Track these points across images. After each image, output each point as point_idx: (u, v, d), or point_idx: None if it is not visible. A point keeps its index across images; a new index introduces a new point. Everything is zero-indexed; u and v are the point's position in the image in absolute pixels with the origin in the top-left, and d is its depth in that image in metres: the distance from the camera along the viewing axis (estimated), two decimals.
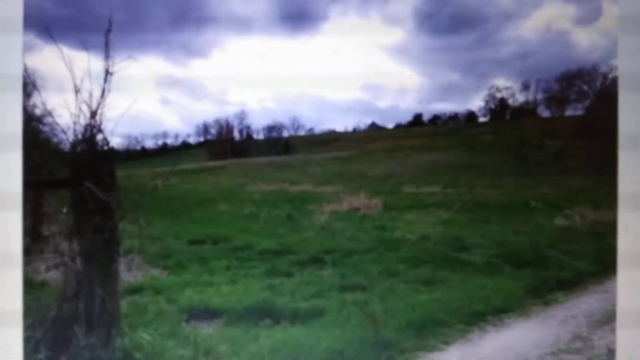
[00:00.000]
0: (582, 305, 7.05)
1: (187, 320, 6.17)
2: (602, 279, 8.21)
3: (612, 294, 3.24)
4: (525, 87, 27.12)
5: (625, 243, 2.91)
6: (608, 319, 6.13)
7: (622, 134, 2.85)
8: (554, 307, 7.02)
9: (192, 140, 30.21)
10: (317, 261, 9.30)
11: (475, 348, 5.55)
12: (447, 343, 5.60)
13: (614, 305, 3.12)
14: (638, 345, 3.07)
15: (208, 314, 6.42)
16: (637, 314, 3.07)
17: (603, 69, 24.11)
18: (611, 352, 4.91)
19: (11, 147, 2.98)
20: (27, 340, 3.91)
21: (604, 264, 8.43)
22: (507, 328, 6.17)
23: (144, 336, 4.76)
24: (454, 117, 31.16)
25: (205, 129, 29.92)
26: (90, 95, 4.58)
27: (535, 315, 6.64)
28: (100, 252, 4.57)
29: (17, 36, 2.95)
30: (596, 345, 5.44)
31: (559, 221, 13.37)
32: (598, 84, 24.09)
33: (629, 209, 2.87)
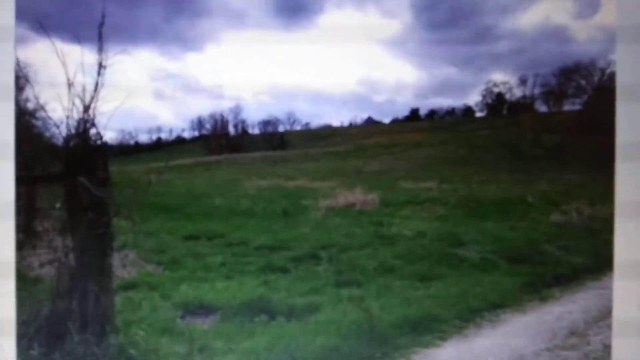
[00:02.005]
0: (578, 301, 7.05)
1: (182, 317, 6.15)
2: (599, 274, 8.21)
3: (609, 290, 3.22)
4: (523, 81, 26.90)
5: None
6: (604, 314, 6.13)
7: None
8: (550, 302, 7.02)
9: (186, 134, 29.86)
10: (312, 257, 9.24)
11: (471, 344, 5.54)
12: (443, 339, 5.59)
13: (610, 301, 3.10)
14: (634, 341, 3.06)
15: (203, 310, 6.39)
16: (633, 308, 3.06)
17: (601, 64, 23.98)
18: (607, 348, 4.90)
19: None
20: (20, 336, 3.87)
21: (600, 260, 8.43)
22: (503, 324, 6.17)
23: (139, 332, 4.75)
24: (451, 111, 30.98)
25: (200, 123, 29.59)
26: (84, 89, 4.55)
27: (531, 311, 6.64)
28: (94, 247, 4.54)
29: None
30: (592, 341, 5.44)
31: (556, 217, 13.33)
32: (596, 79, 23.98)
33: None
